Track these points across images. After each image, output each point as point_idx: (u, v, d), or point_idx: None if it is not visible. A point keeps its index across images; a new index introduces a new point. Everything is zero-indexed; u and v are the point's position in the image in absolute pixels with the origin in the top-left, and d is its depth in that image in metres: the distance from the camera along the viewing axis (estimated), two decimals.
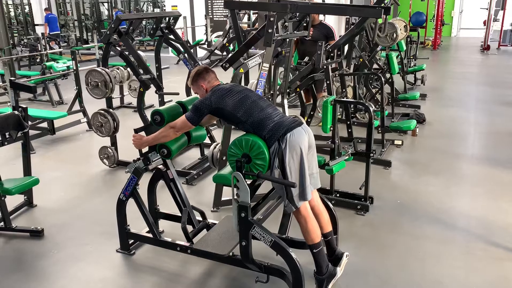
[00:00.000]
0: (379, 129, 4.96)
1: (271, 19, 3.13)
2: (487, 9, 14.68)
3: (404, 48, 7.27)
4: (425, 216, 3.45)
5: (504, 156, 4.80)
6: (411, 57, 8.51)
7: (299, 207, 2.41)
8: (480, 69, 11.11)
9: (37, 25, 13.61)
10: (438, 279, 2.67)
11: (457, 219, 3.41)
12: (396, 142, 5.14)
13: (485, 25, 15.04)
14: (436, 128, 5.88)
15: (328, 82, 4.46)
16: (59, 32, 13.39)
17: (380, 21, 4.93)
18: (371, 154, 3.51)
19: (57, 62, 7.01)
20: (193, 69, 2.93)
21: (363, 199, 3.58)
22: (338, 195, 3.68)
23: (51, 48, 10.76)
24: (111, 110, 4.44)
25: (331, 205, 2.78)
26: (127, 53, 4.48)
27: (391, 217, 3.45)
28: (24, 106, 3.45)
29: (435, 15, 15.16)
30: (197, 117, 2.56)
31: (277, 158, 2.35)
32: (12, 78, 3.68)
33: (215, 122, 3.06)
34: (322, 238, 2.52)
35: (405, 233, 3.22)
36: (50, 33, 12.59)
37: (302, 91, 4.68)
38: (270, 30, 3.16)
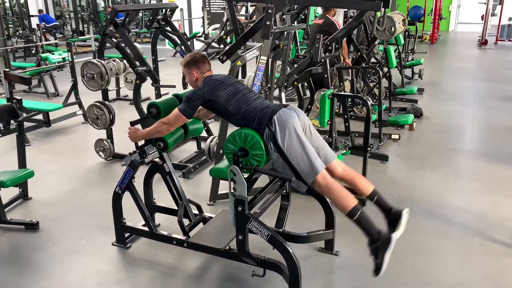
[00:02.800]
0: (377, 123, 4.95)
1: (269, 11, 3.11)
2: (485, 3, 14.66)
3: (402, 42, 7.25)
4: (422, 211, 3.45)
5: (501, 151, 4.81)
6: (409, 51, 8.49)
7: (314, 181, 2.29)
8: (478, 64, 11.11)
9: (33, 16, 13.49)
10: (434, 274, 2.68)
11: (453, 214, 3.41)
12: (393, 136, 5.14)
13: (483, 19, 15.03)
14: (433, 122, 5.88)
15: (326, 75, 4.44)
16: (57, 23, 13.30)
17: (378, 14, 4.90)
18: (369, 148, 3.50)
19: (53, 54, 6.95)
20: None
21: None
22: None
23: (46, 40, 10.67)
24: (107, 102, 4.40)
25: (328, 200, 2.77)
26: (123, 45, 4.44)
27: None
28: (18, 97, 3.41)
29: (433, 9, 15.13)
30: (190, 109, 2.53)
31: (271, 142, 2.34)
32: (7, 70, 3.64)
33: (212, 116, 3.03)
34: (368, 201, 2.39)
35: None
36: (47, 25, 12.50)
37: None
38: (268, 23, 3.13)
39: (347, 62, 5.12)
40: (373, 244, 2.23)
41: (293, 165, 2.31)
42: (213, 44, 6.47)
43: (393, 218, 2.38)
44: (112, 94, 6.82)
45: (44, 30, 11.03)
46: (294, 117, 2.39)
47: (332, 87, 5.25)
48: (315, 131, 2.53)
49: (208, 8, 12.73)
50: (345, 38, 4.95)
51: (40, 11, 13.63)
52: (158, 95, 5.35)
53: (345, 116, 4.52)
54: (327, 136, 3.56)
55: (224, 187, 3.60)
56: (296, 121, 2.38)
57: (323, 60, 4.17)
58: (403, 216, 2.36)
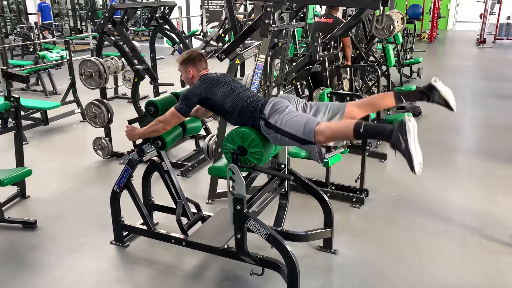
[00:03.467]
0: (375, 121, 4.94)
1: (268, 9, 3.10)
2: (483, 2, 14.66)
3: (401, 40, 7.25)
4: (421, 209, 3.45)
5: (499, 149, 4.81)
6: (408, 50, 8.49)
7: (316, 134, 2.17)
8: (476, 63, 11.11)
9: (30, 14, 13.44)
10: (433, 272, 2.68)
11: (452, 212, 3.42)
12: None
13: (481, 18, 15.03)
14: (431, 121, 5.87)
15: (324, 74, 4.44)
16: (51, 21, 13.23)
17: (377, 12, 4.89)
18: (367, 147, 3.50)
19: (51, 52, 6.93)
20: None
21: (358, 192, 3.57)
22: (333, 187, 3.67)
23: (44, 38, 10.63)
24: (105, 100, 4.39)
25: (326, 198, 2.77)
26: (121, 43, 4.43)
27: (386, 210, 3.45)
28: (16, 96, 3.40)
29: (432, 8, 15.13)
30: (186, 107, 2.52)
31: (268, 129, 2.33)
32: (5, 68, 3.62)
33: (211, 114, 3.03)
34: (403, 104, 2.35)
35: (400, 226, 3.22)
36: (43, 22, 12.43)
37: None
38: (266, 21, 3.13)
39: (348, 62, 5.11)
40: (391, 139, 2.06)
41: (292, 133, 2.24)
42: (212, 42, 6.47)
43: (432, 94, 2.30)
44: (110, 92, 6.82)
45: (41, 28, 10.99)
46: (282, 100, 2.40)
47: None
48: (314, 102, 2.50)
49: (207, 6, 12.72)
50: (348, 37, 4.93)
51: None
52: (156, 93, 5.34)
53: None
54: None
55: (222, 185, 3.59)
56: (284, 102, 2.38)
57: (321, 59, 4.17)
58: (435, 85, 2.29)
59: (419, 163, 2.05)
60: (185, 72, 2.72)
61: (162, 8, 5.18)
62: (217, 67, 3.46)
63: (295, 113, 2.31)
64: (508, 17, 15.65)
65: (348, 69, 5.02)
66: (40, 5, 12.82)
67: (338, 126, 2.21)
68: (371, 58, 5.86)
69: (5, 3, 14.86)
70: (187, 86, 2.85)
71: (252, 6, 8.07)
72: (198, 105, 2.65)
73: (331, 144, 2.53)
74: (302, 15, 4.28)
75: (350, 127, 2.13)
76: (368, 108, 2.46)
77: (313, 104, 2.47)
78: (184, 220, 2.81)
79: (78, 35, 12.99)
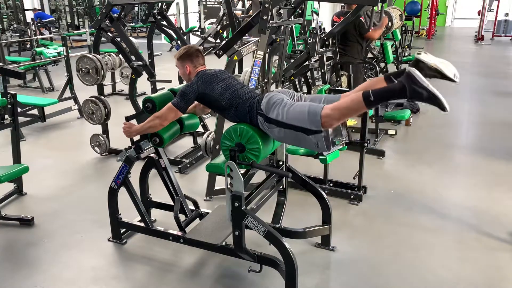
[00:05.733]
0: (373, 118, 4.94)
1: (266, 5, 3.08)
2: None
3: (399, 37, 7.24)
4: (418, 206, 3.46)
5: (497, 146, 4.82)
6: (406, 47, 8.48)
7: (321, 118, 2.11)
8: (474, 59, 11.12)
9: (27, 10, 13.36)
10: (431, 269, 2.68)
11: (450, 209, 3.42)
12: (390, 131, 5.14)
13: (479, 15, 15.03)
14: (429, 118, 5.88)
15: (322, 71, 4.43)
16: (52, 18, 13.19)
17: (376, 9, 4.89)
18: (365, 144, 3.50)
19: (48, 48, 6.89)
20: None
21: (356, 189, 3.57)
22: (331, 184, 3.67)
23: (41, 34, 10.58)
24: (102, 97, 4.37)
25: (324, 195, 2.76)
26: (118, 39, 4.40)
27: (384, 207, 3.45)
28: (13, 92, 3.38)
29: (430, 5, 15.12)
30: (184, 103, 2.51)
31: (267, 124, 2.31)
32: (1, 64, 3.60)
33: (209, 111, 3.02)
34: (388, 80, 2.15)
35: (398, 222, 3.22)
36: (43, 21, 12.40)
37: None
38: (264, 17, 3.11)
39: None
40: (405, 92, 1.95)
41: (295, 124, 2.20)
42: (210, 38, 6.43)
43: (418, 68, 2.03)
44: (107, 89, 6.80)
45: (39, 24, 10.95)
46: (278, 94, 2.38)
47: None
48: (308, 95, 2.46)
49: (205, 3, 12.66)
50: (369, 31, 4.92)
51: (35, 9, 13.52)
52: (154, 90, 5.32)
53: None
54: None
55: (220, 182, 3.59)
56: (280, 95, 2.36)
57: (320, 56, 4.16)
58: (421, 58, 2.04)
59: (445, 101, 1.98)
60: (182, 68, 2.71)
61: (159, 4, 5.15)
62: (215, 63, 3.44)
63: (294, 103, 2.26)
64: (506, 14, 15.66)
65: (350, 65, 5.01)
66: (36, 15, 12.82)
67: (345, 104, 2.11)
68: (370, 55, 5.85)
69: None
70: (185, 83, 2.84)
71: (250, 2, 8.04)
72: (196, 102, 2.64)
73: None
74: (300, 12, 4.26)
75: (359, 100, 2.03)
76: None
77: (308, 96, 2.44)
78: (182, 217, 2.80)
79: (75, 32, 12.94)
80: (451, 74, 2.07)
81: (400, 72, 2.13)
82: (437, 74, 2.08)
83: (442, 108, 1.98)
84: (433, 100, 1.98)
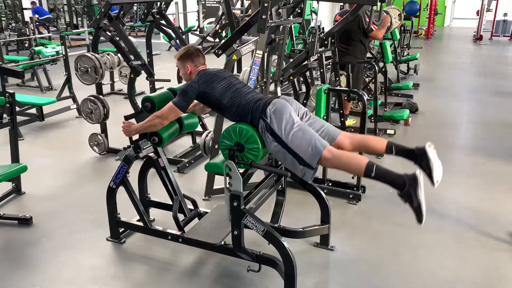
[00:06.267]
0: (372, 118, 4.95)
1: (265, 5, 3.08)
2: None
3: (398, 37, 7.25)
4: None
5: (495, 146, 4.83)
6: (405, 46, 8.49)
7: (320, 159, 2.18)
8: (473, 59, 11.13)
9: (26, 9, 13.33)
10: (430, 268, 2.68)
11: (449, 209, 3.42)
12: (388, 131, 5.14)
13: (478, 15, 15.05)
14: (428, 117, 5.88)
15: (321, 70, 4.43)
16: (50, 16, 13.16)
17: (375, 8, 4.88)
18: None
19: (46, 47, 6.87)
20: None
21: (355, 189, 3.57)
22: (330, 184, 3.67)
23: (40, 33, 10.56)
24: (101, 96, 4.37)
25: (323, 194, 2.76)
26: (117, 38, 4.39)
27: (383, 207, 3.45)
28: (11, 91, 3.37)
29: (429, 4, 15.13)
30: (184, 102, 2.50)
31: (267, 133, 2.31)
32: None
33: (208, 111, 3.01)
34: (389, 155, 2.33)
35: (397, 222, 3.22)
36: (40, 18, 12.37)
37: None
38: (264, 17, 3.10)
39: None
40: (402, 191, 2.10)
41: (294, 150, 2.23)
42: (208, 38, 6.43)
43: (420, 158, 2.25)
44: (106, 88, 6.76)
45: (37, 23, 10.91)
46: (287, 105, 2.36)
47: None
48: (312, 115, 2.49)
49: (203, 2, 12.65)
50: (373, 31, 4.92)
51: (33, 3, 13.50)
52: (153, 89, 5.31)
53: (341, 111, 4.50)
54: None
55: (219, 182, 3.58)
56: (289, 108, 2.35)
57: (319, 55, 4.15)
58: (427, 150, 2.23)
59: (424, 216, 2.13)
60: (183, 68, 2.70)
61: (158, 3, 5.14)
62: (214, 63, 3.44)
63: (300, 127, 2.26)
64: (505, 14, 15.69)
65: (349, 66, 5.00)
66: (34, 9, 12.79)
67: (347, 160, 2.17)
68: (368, 55, 5.84)
69: None
70: (183, 82, 2.83)
71: (249, 1, 8.03)
72: (195, 101, 2.63)
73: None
74: (299, 11, 4.25)
75: (361, 166, 2.13)
76: (358, 146, 2.44)
77: (312, 118, 2.45)
78: (181, 217, 2.80)
79: (73, 31, 12.91)
80: (436, 179, 2.27)
81: (404, 150, 2.31)
82: (427, 171, 2.26)
83: (419, 219, 2.13)
84: (417, 211, 2.12)
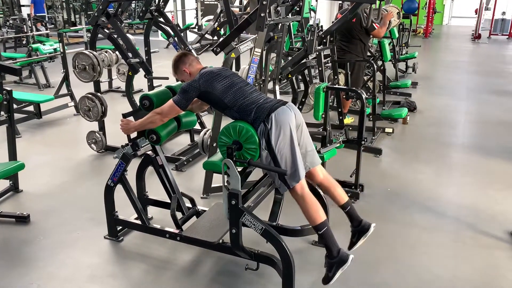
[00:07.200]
0: (370, 116, 4.94)
1: (264, 2, 3.07)
2: None
3: (397, 35, 7.24)
4: (415, 204, 3.46)
5: (494, 145, 4.83)
6: (403, 45, 8.49)
7: (293, 187, 2.36)
8: (471, 58, 11.14)
9: (23, 6, 13.29)
10: (427, 267, 2.69)
11: (446, 207, 3.43)
12: (387, 130, 5.14)
13: (476, 13, 15.07)
14: (426, 116, 5.89)
15: (320, 68, 4.42)
16: (44, 14, 13.08)
17: (374, 7, 4.87)
18: (362, 142, 3.49)
19: (44, 45, 6.85)
20: None
21: (353, 187, 3.57)
22: None
23: (37, 30, 10.51)
24: (99, 94, 4.35)
25: (321, 193, 2.76)
26: (115, 36, 4.38)
27: (381, 205, 3.45)
28: (9, 89, 3.36)
29: (427, 3, 15.13)
30: (185, 100, 2.50)
31: (264, 139, 2.32)
32: None
33: (206, 108, 3.01)
34: (342, 211, 2.55)
35: (395, 220, 3.23)
36: (36, 14, 12.30)
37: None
38: (262, 14, 3.10)
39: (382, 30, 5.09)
40: (330, 259, 2.33)
41: (280, 164, 2.32)
42: (207, 35, 6.42)
43: (359, 230, 2.53)
44: (104, 86, 6.76)
45: (35, 20, 10.86)
46: (292, 118, 2.37)
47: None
48: (307, 132, 2.53)
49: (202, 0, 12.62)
50: (375, 29, 4.90)
51: None
52: (151, 87, 5.30)
53: (339, 110, 4.50)
54: (321, 130, 3.54)
55: (217, 180, 3.58)
56: (293, 122, 2.36)
57: (317, 53, 4.15)
58: (370, 229, 2.51)
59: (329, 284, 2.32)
60: (182, 75, 2.71)
61: (156, 0, 5.13)
62: (212, 61, 3.44)
63: (295, 149, 2.33)
64: (503, 13, 15.71)
65: (348, 64, 5.00)
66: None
67: (309, 206, 2.35)
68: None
69: None
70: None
71: None
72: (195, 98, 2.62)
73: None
74: (298, 9, 4.24)
75: (316, 219, 2.32)
76: (325, 189, 2.61)
77: (304, 133, 2.49)
78: (179, 215, 2.80)
79: (71, 28, 12.87)
80: (352, 249, 2.56)
81: (354, 218, 2.57)
82: (354, 240, 2.57)
83: (324, 282, 2.33)
84: (325, 280, 2.33)
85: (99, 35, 4.38)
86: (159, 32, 5.46)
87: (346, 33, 4.94)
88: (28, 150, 4.60)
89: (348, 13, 4.51)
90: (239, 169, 2.36)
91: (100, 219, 3.03)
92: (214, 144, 3.38)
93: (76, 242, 2.93)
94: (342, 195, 2.57)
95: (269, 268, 2.45)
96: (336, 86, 4.61)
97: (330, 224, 2.84)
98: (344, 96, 4.81)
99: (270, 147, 2.31)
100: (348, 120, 5.29)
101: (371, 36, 5.09)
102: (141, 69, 4.40)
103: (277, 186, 2.43)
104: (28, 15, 9.02)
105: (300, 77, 5.20)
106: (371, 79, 5.24)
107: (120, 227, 2.98)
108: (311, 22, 8.37)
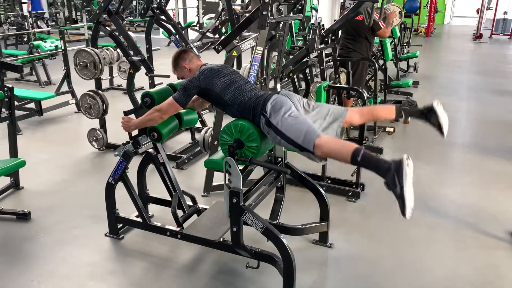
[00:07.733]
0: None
1: (266, 1, 3.06)
2: None
3: (398, 34, 7.23)
4: (416, 204, 3.41)
5: (494, 144, 4.83)
6: (405, 44, 8.48)
7: (314, 148, 2.17)
8: (472, 58, 11.13)
9: (24, 2, 13.27)
10: (428, 266, 2.68)
11: (447, 207, 3.42)
12: (388, 129, 5.14)
13: (478, 13, 15.04)
14: None
15: (321, 67, 4.42)
16: (43, 11, 13.06)
17: (376, 6, 4.86)
18: (364, 141, 3.49)
19: (45, 42, 6.84)
20: None
21: (354, 186, 3.57)
22: (329, 181, 3.67)
23: (38, 27, 10.51)
24: (100, 91, 4.35)
25: (322, 192, 2.76)
26: (117, 33, 4.37)
27: (382, 204, 3.45)
28: (10, 86, 3.36)
29: (429, 2, 15.11)
30: (185, 97, 2.49)
31: (266, 127, 2.30)
32: None
33: (207, 106, 3.00)
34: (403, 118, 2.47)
35: (396, 220, 3.22)
36: (36, 12, 12.29)
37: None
38: (264, 13, 3.09)
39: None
40: (387, 176, 2.07)
41: (292, 139, 2.23)
42: (208, 34, 6.40)
43: (430, 116, 2.45)
44: (105, 83, 6.76)
45: (36, 17, 10.86)
46: (287, 100, 2.36)
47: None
48: (316, 104, 2.47)
49: None
50: (381, 29, 4.89)
51: None
52: (152, 84, 5.29)
53: None
54: None
55: (218, 178, 3.57)
56: (289, 102, 2.34)
57: (319, 52, 4.14)
58: (435, 107, 2.42)
59: (410, 209, 2.05)
60: (182, 72, 2.71)
61: None
62: (213, 59, 3.43)
63: (297, 118, 2.26)
64: (505, 13, 15.68)
65: (350, 63, 4.99)
66: None
67: (337, 146, 2.16)
68: None
69: None
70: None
71: None
72: (195, 96, 2.62)
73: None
74: (300, 8, 4.23)
75: (348, 152, 2.12)
76: (369, 117, 2.54)
77: (315, 105, 2.44)
78: (180, 213, 2.80)
79: (73, 25, 12.86)
80: (445, 131, 2.50)
81: (413, 112, 2.50)
82: (437, 126, 2.49)
83: (402, 211, 2.06)
84: (400, 200, 2.08)
85: (101, 33, 4.38)
86: (161, 30, 5.45)
87: (353, 31, 4.94)
88: (29, 147, 4.60)
89: (350, 12, 4.50)
90: (240, 167, 2.35)
91: (101, 216, 3.03)
92: (215, 142, 3.37)
93: (76, 240, 2.93)
94: (388, 109, 2.52)
95: (269, 266, 2.45)
96: (338, 85, 4.60)
97: (331, 223, 2.87)
98: (345, 95, 4.81)
99: (277, 130, 2.26)
100: None
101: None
102: (142, 67, 4.39)
103: (309, 157, 2.25)
104: (29, 12, 9.02)
105: (301, 75, 5.21)
106: (373, 78, 5.23)
107: (121, 225, 2.98)
108: (312, 21, 8.35)
